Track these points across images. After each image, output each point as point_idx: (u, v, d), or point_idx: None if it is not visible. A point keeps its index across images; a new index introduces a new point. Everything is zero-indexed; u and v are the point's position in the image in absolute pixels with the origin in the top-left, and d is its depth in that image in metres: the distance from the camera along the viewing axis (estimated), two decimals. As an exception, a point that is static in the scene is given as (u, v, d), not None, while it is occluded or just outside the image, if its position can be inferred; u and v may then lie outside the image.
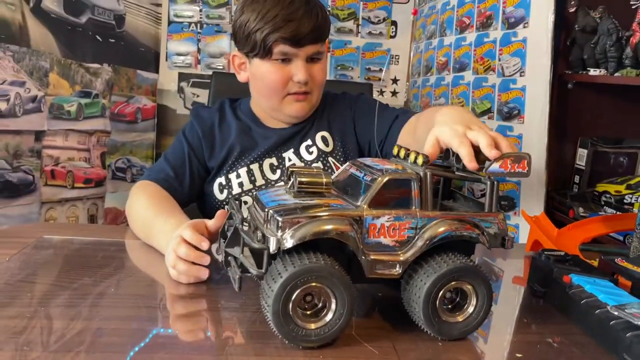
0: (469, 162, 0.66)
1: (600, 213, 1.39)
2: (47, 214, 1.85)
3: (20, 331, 0.62)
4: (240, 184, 1.16)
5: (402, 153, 0.71)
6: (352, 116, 1.24)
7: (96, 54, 2.06)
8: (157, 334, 0.63)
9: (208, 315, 0.72)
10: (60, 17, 1.89)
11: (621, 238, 1.21)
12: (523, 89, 1.55)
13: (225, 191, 1.16)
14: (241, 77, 1.19)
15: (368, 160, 0.70)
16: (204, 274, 0.79)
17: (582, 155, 1.55)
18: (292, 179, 0.65)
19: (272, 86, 1.12)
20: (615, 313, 0.67)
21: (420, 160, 0.67)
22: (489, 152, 0.65)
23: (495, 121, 1.65)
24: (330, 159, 1.19)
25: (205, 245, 0.80)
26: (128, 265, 0.90)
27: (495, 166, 0.65)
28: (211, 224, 0.85)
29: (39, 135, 1.80)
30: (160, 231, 0.91)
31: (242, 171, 1.16)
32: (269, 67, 1.11)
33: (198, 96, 2.39)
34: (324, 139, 1.21)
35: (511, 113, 1.59)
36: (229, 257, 0.69)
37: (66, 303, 0.71)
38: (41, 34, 1.80)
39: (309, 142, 1.20)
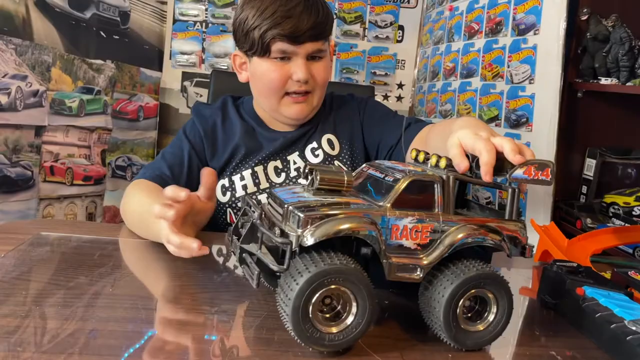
0: (486, 173, 0.62)
1: (608, 224, 1.37)
2: (44, 210, 1.82)
3: (13, 331, 0.59)
4: (244, 187, 1.13)
5: (422, 157, 0.69)
6: (361, 120, 1.22)
7: (100, 50, 2.04)
8: (152, 336, 0.60)
9: (207, 319, 0.69)
10: (64, 11, 1.87)
11: (630, 251, 1.18)
12: (532, 96, 1.53)
13: (229, 193, 1.14)
14: (242, 77, 1.17)
15: (386, 162, 0.68)
16: (197, 245, 0.76)
17: (590, 166, 1.53)
18: (311, 176, 0.62)
19: (271, 85, 1.09)
20: (633, 328, 0.64)
21: (442, 163, 0.65)
22: (513, 156, 0.62)
23: (503, 128, 1.62)
24: (336, 162, 1.17)
25: (183, 194, 0.78)
26: (125, 265, 0.88)
27: (519, 172, 0.63)
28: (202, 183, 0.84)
29: (39, 130, 1.78)
30: (154, 220, 0.86)
31: (247, 173, 1.13)
32: (268, 66, 1.08)
33: (201, 96, 2.37)
34: (329, 141, 1.19)
35: (519, 121, 1.57)
36: (244, 254, 0.66)
37: (61, 302, 0.68)
38: (45, 27, 1.78)
39: (315, 144, 1.17)
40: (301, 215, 0.57)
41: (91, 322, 0.63)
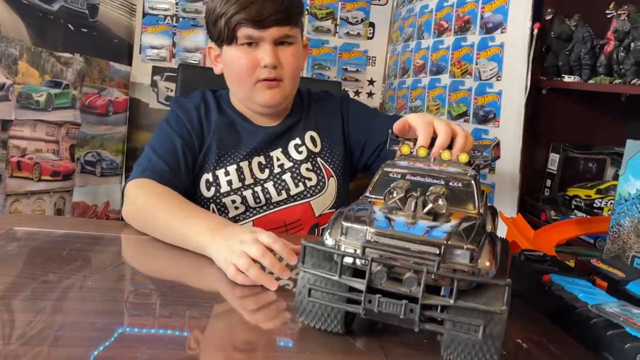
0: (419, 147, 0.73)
1: (571, 216, 1.42)
2: (11, 206, 1.78)
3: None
4: (229, 182, 1.13)
5: (423, 152, 0.71)
6: (344, 120, 1.23)
7: (68, 43, 2.00)
8: (123, 332, 0.60)
9: (181, 315, 0.69)
10: (31, 3, 1.83)
11: (592, 241, 1.24)
12: (499, 93, 1.57)
13: (213, 188, 1.13)
14: (217, 69, 1.18)
15: (402, 162, 0.68)
16: (274, 285, 0.77)
17: (554, 160, 1.59)
18: (416, 201, 0.58)
19: (241, 72, 1.10)
20: (596, 312, 0.68)
21: (464, 158, 0.68)
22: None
23: (471, 124, 1.67)
24: (318, 159, 1.19)
25: (277, 246, 0.79)
26: (98, 260, 0.87)
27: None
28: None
29: (5, 124, 1.73)
30: (199, 230, 0.88)
31: (232, 169, 1.13)
32: (236, 53, 1.10)
33: (172, 90, 2.35)
34: (312, 138, 1.20)
35: (487, 117, 1.62)
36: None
37: (32, 296, 0.68)
38: (11, 19, 1.73)
39: (298, 140, 1.18)
40: (474, 247, 0.54)
41: (61, 316, 0.63)
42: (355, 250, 0.56)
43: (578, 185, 1.51)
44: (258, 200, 1.14)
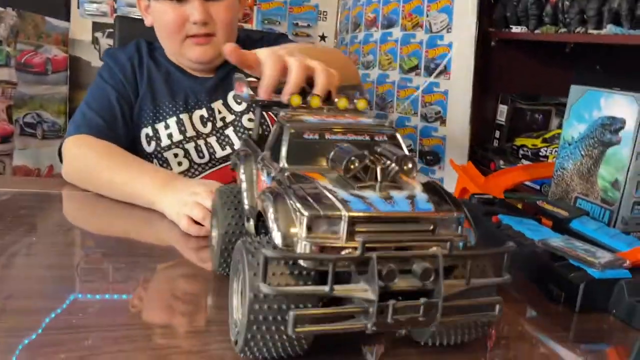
0: (263, 90, 0.64)
1: (517, 164, 1.46)
2: (-55, 172, 1.68)
3: None
4: (170, 135, 1.09)
5: (317, 102, 0.60)
6: None
7: (-3, -4, 1.86)
8: (75, 299, 0.57)
9: (134, 275, 0.67)
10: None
11: (538, 187, 1.28)
12: (450, 45, 1.58)
13: (154, 143, 1.10)
14: (147, 21, 1.12)
15: (307, 117, 0.57)
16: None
17: (502, 112, 1.62)
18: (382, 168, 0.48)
19: (168, 28, 1.06)
20: (542, 246, 0.71)
21: (362, 104, 0.63)
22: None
23: (423, 77, 1.68)
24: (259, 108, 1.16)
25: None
26: (43, 220, 0.83)
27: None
28: None
29: None
30: (147, 186, 0.86)
31: (172, 121, 1.10)
32: (163, 7, 1.05)
33: (115, 48, 2.24)
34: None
35: (438, 69, 1.63)
36: None
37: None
38: None
39: None
40: None
41: (8, 284, 0.60)
42: (346, 250, 0.44)
43: (525, 135, 1.55)
44: (201, 155, 1.11)
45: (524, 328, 0.63)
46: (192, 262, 0.72)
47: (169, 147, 1.10)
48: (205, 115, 1.12)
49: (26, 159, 2.00)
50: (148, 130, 1.10)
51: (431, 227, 0.46)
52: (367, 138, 0.55)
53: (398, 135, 0.56)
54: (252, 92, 0.66)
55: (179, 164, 1.11)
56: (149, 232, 0.82)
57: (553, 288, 0.67)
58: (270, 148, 0.57)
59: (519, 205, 0.96)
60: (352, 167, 0.47)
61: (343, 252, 0.43)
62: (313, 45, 1.07)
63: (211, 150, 1.11)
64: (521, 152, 1.51)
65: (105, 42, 2.26)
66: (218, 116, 1.13)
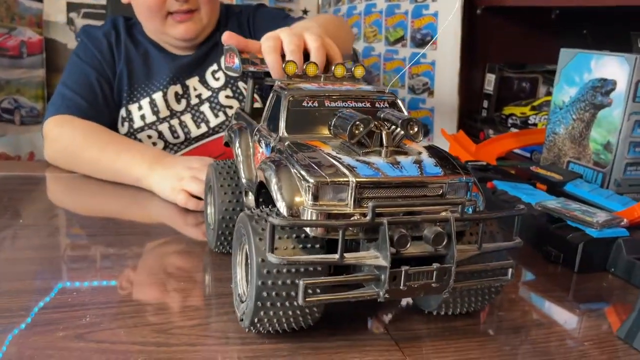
0: (274, 73, 0.63)
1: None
2: None
3: None
4: (142, 117, 1.07)
5: (313, 69, 0.58)
6: (251, 30, 1.16)
7: (-35, -23, 1.79)
8: (63, 288, 0.56)
9: (124, 256, 0.65)
10: None
11: (528, 154, 1.27)
12: (435, 14, 1.55)
13: (126, 124, 1.07)
14: None
15: (305, 85, 0.56)
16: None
17: (490, 81, 1.61)
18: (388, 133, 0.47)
19: (148, 5, 1.02)
20: (538, 208, 0.70)
21: (360, 72, 0.61)
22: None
23: (409, 48, 1.65)
24: (240, 83, 1.13)
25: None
26: (30, 205, 0.81)
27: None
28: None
29: None
30: (135, 163, 0.85)
31: (144, 102, 1.07)
32: None
33: (92, 28, 2.18)
34: None
35: (424, 39, 1.60)
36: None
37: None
38: None
39: (215, 66, 1.12)
40: None
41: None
42: (354, 217, 0.42)
43: (513, 103, 1.54)
44: (176, 135, 1.09)
45: (523, 290, 0.62)
46: (187, 238, 0.71)
47: (141, 129, 1.07)
48: (180, 92, 1.09)
49: (5, 146, 1.95)
50: (122, 111, 1.07)
51: (440, 192, 0.45)
52: (368, 105, 0.54)
53: (399, 102, 0.55)
54: (244, 64, 0.65)
55: (154, 144, 1.08)
56: (139, 211, 0.80)
57: (551, 250, 0.67)
58: (267, 119, 0.56)
59: (512, 172, 0.96)
60: (356, 132, 0.46)
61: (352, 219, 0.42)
62: (309, 18, 1.03)
63: (186, 130, 1.09)
64: (510, 120, 1.50)
65: (81, 23, 2.19)
66: (193, 93, 1.10)
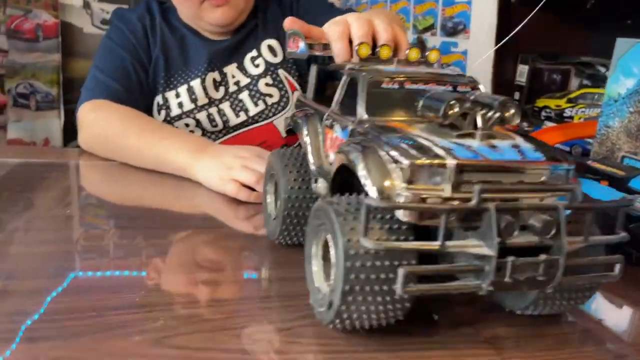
0: (342, 54, 0.60)
1: (542, 127, 1.42)
2: (-62, 146, 1.59)
3: None
4: (180, 105, 1.03)
5: (387, 52, 0.55)
6: (293, 14, 1.12)
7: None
8: (76, 277, 0.53)
9: (132, 255, 0.61)
10: None
11: (568, 149, 1.24)
12: (469, 2, 1.51)
13: (163, 112, 1.03)
14: None
15: (384, 67, 0.53)
16: None
17: (522, 72, 1.57)
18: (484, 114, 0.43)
19: None
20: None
21: (434, 56, 0.58)
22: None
23: (439, 37, 1.61)
24: (280, 71, 1.09)
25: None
26: (45, 198, 0.77)
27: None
28: None
29: None
30: (178, 151, 0.81)
31: (182, 89, 1.03)
32: None
33: (108, 12, 2.13)
34: (270, 48, 1.09)
35: (456, 28, 1.56)
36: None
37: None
38: None
39: (254, 52, 1.08)
40: None
41: (8, 262, 0.55)
42: (454, 202, 0.39)
43: (547, 95, 1.50)
44: (214, 124, 1.05)
45: (603, 293, 0.59)
46: (242, 232, 0.67)
47: (179, 117, 1.03)
48: (218, 79, 1.05)
49: (21, 132, 1.91)
50: (159, 99, 1.03)
51: (542, 178, 0.42)
52: (450, 89, 0.50)
53: (482, 87, 0.52)
54: (310, 48, 0.61)
55: (191, 132, 1.05)
56: (185, 203, 0.77)
57: (631, 251, 0.63)
58: (340, 102, 0.53)
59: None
60: (450, 112, 0.42)
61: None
62: (365, 12, 0.99)
63: (224, 118, 1.05)
64: (544, 113, 1.46)
65: (98, 7, 2.15)
66: (231, 80, 1.06)
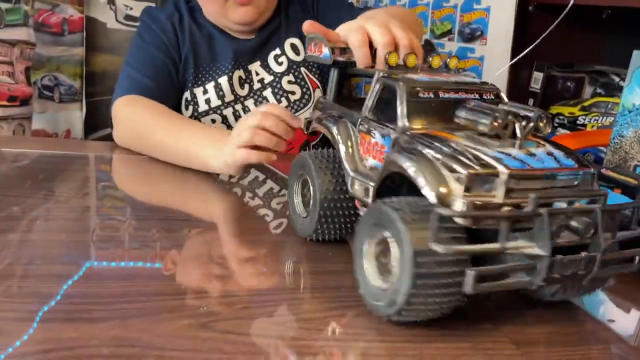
0: (363, 60, 0.63)
1: (555, 134, 1.45)
2: (-33, 134, 1.64)
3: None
4: (207, 101, 1.07)
5: (413, 60, 0.59)
6: (315, 13, 1.16)
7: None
8: (91, 267, 0.56)
9: (153, 245, 0.65)
10: None
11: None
12: (487, 9, 1.54)
13: (191, 107, 1.08)
14: None
15: (416, 77, 0.56)
16: (283, 145, 0.77)
17: (537, 79, 1.60)
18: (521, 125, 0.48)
19: None
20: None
21: (455, 62, 0.63)
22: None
23: (456, 43, 1.64)
24: (302, 69, 1.13)
25: (296, 122, 0.77)
26: (65, 187, 0.81)
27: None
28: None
29: (-47, 42, 1.56)
30: (203, 144, 0.85)
31: (210, 86, 1.07)
32: None
33: (131, 9, 2.17)
34: (293, 46, 1.13)
35: (473, 34, 1.59)
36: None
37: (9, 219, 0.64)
38: None
39: (278, 50, 1.12)
40: None
41: (29, 251, 0.59)
42: (505, 208, 0.44)
43: (560, 103, 1.53)
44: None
45: (617, 296, 0.62)
46: (269, 227, 0.71)
47: (206, 113, 1.07)
48: (243, 76, 1.10)
49: (45, 123, 1.96)
50: (187, 95, 1.08)
51: (575, 182, 0.48)
52: (477, 97, 0.55)
53: (503, 94, 0.56)
54: (333, 53, 0.65)
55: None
56: (200, 201, 0.80)
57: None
58: (372, 108, 0.57)
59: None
60: (496, 124, 0.46)
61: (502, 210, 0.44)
62: (379, 9, 1.02)
63: None
64: (557, 120, 1.49)
65: (122, 3, 2.19)
66: (255, 78, 1.11)
